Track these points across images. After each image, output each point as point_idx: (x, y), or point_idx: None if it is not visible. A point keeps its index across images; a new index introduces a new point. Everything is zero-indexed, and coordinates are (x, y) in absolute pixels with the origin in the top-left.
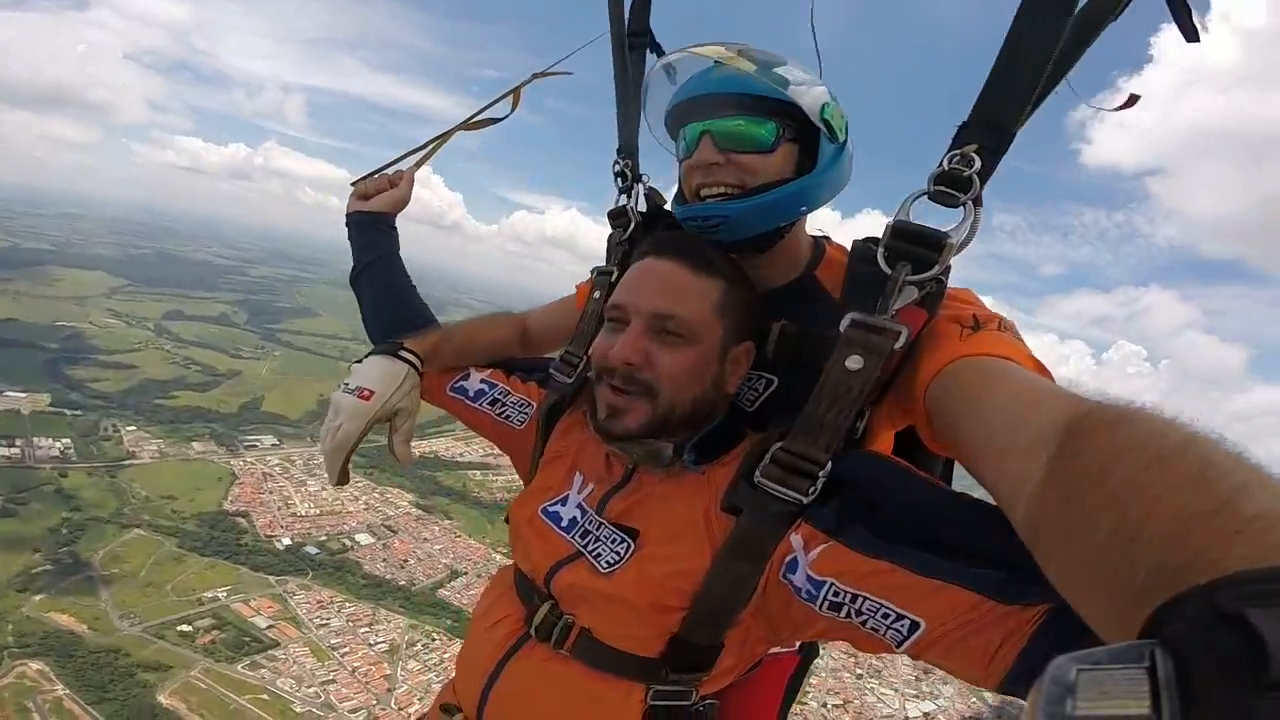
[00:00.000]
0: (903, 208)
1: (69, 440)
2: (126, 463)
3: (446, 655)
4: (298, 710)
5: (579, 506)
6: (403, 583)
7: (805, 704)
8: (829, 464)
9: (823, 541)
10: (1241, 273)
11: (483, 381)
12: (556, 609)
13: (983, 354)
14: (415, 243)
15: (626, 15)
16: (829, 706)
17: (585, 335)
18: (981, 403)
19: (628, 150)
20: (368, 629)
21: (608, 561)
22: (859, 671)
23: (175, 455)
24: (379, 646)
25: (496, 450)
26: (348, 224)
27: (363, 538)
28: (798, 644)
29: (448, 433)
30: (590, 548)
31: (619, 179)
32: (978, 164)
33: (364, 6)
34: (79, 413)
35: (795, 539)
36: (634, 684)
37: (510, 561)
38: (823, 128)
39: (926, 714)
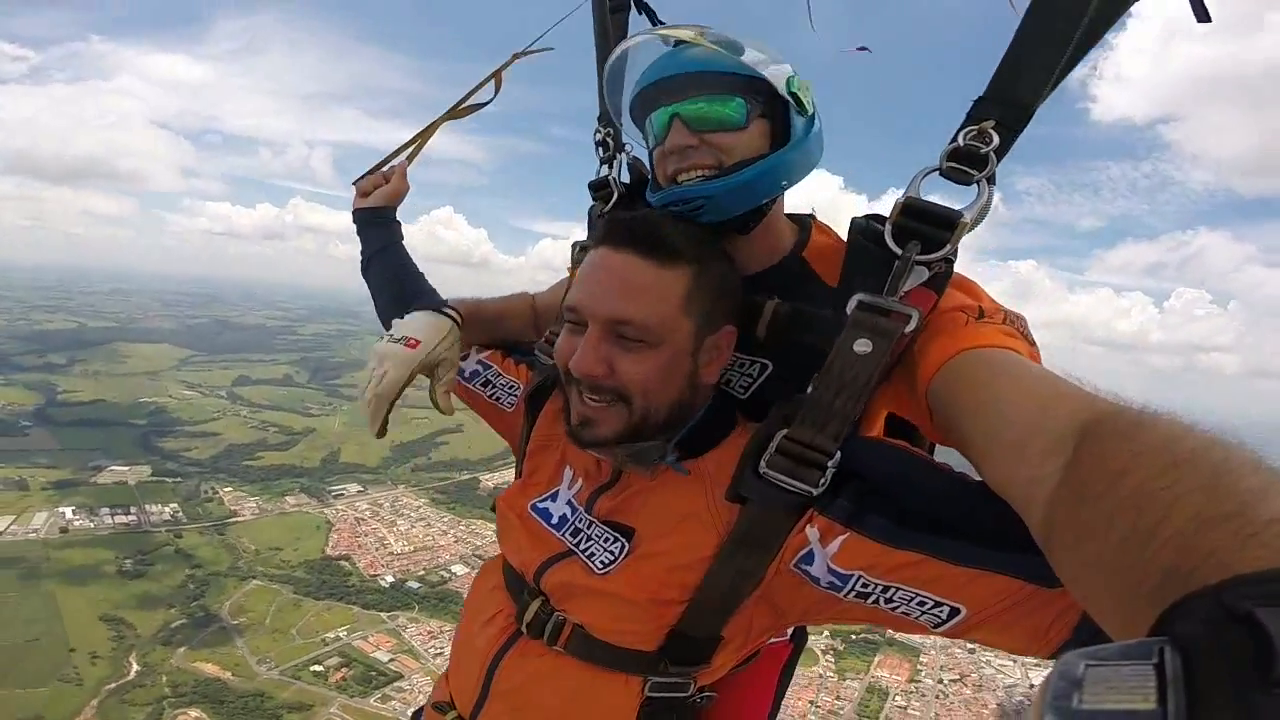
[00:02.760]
0: (913, 184)
1: (176, 505)
2: (231, 521)
3: None
4: None
5: (569, 503)
6: None
7: (920, 682)
8: (838, 454)
9: (840, 533)
10: None
11: (478, 362)
12: (547, 605)
13: (988, 345)
14: (448, 283)
15: None
16: (945, 682)
17: None
18: (990, 401)
19: (608, 118)
20: None
21: (602, 562)
22: (970, 646)
23: (273, 510)
24: None
25: None
26: (354, 221)
27: (458, 569)
28: (790, 631)
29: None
30: (582, 547)
31: (600, 148)
32: (995, 141)
33: (349, 58)
34: (179, 479)
35: (811, 532)
36: (631, 677)
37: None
38: (791, 101)
39: None
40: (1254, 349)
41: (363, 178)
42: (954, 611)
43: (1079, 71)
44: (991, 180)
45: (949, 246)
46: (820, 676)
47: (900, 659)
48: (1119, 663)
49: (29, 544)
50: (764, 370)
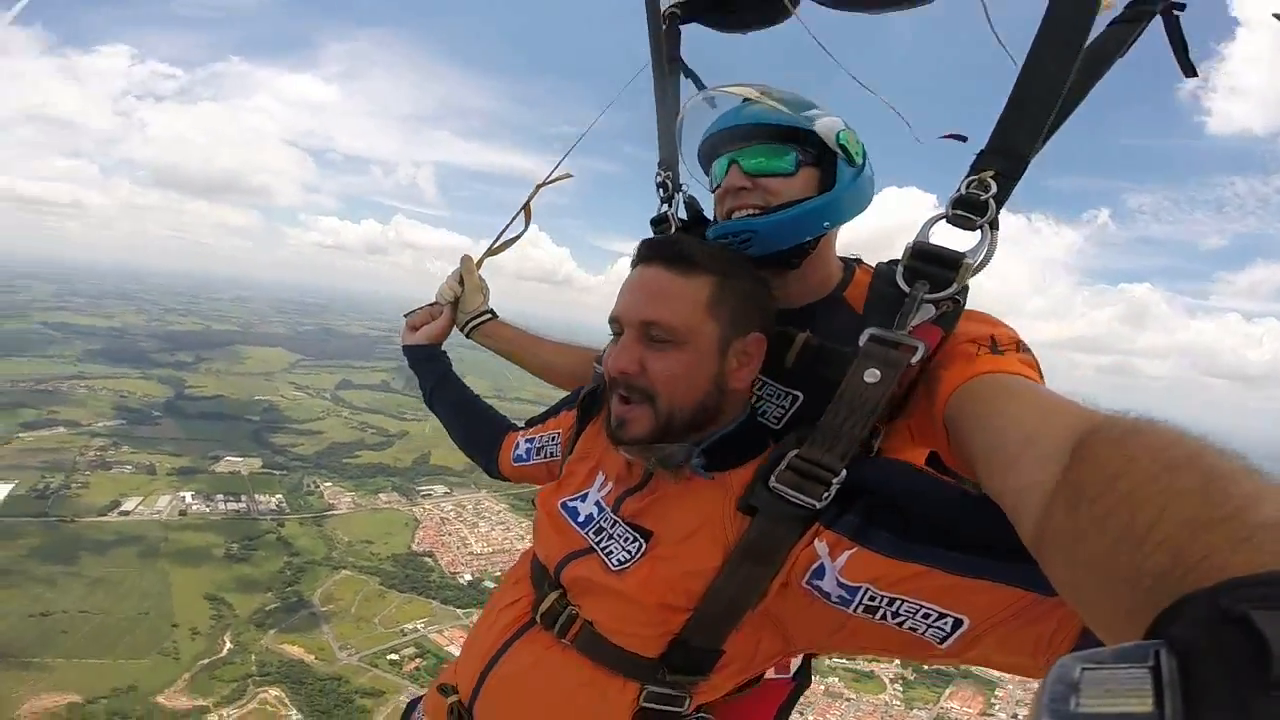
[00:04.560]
0: (923, 230)
1: (281, 496)
2: (329, 513)
3: None
4: None
5: (597, 504)
6: None
7: (994, 715)
8: (844, 472)
9: (848, 548)
10: None
11: (527, 441)
12: (563, 598)
13: (999, 371)
14: (532, 300)
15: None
16: (1019, 717)
17: None
18: (996, 416)
19: (668, 163)
20: None
21: (619, 560)
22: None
23: (366, 506)
24: None
25: None
26: (404, 354)
27: None
28: (792, 671)
29: None
30: (603, 545)
31: (660, 189)
32: (994, 189)
33: (440, 81)
34: (285, 473)
35: (820, 546)
36: (629, 682)
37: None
38: (840, 152)
39: None
40: None
41: (414, 312)
42: (957, 623)
43: (1190, 84)
44: (994, 225)
45: (955, 286)
46: (886, 705)
47: (974, 692)
48: (1115, 666)
49: (151, 524)
50: (795, 402)
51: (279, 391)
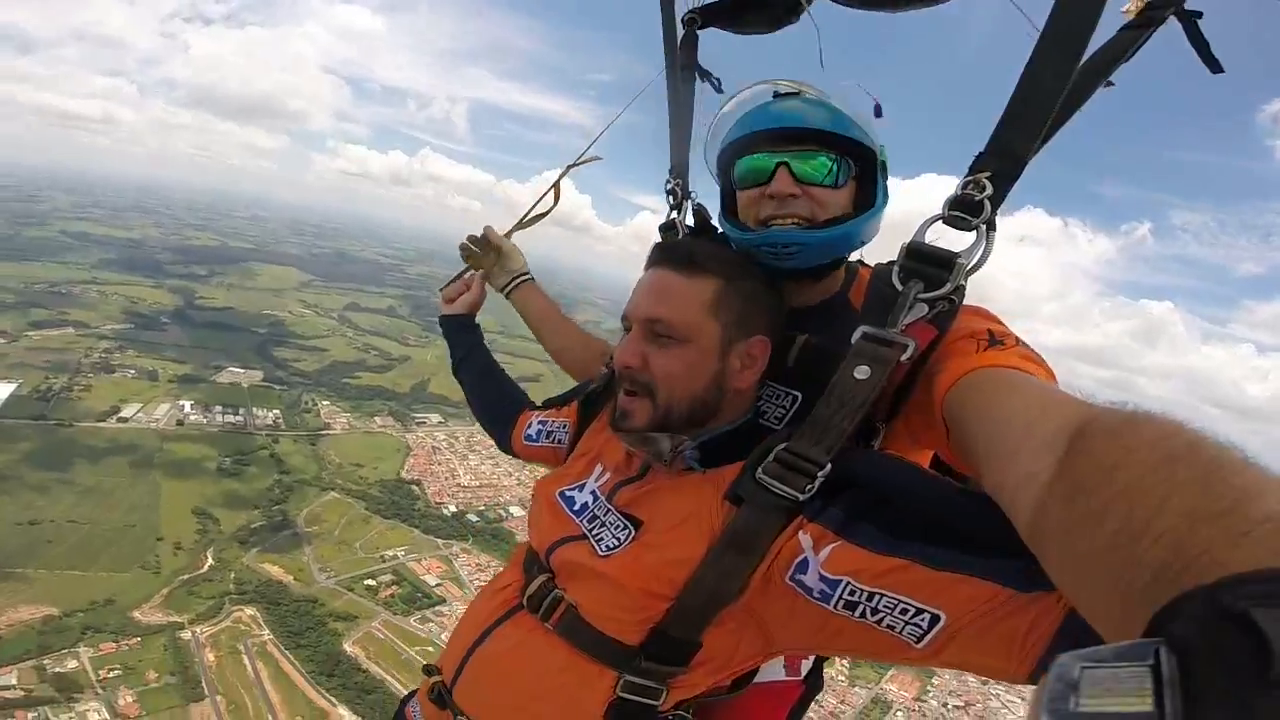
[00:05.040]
0: (920, 231)
1: (279, 411)
2: (323, 433)
3: None
4: None
5: (592, 493)
6: None
7: (925, 701)
8: (828, 465)
9: (832, 540)
10: None
11: (539, 423)
12: (551, 582)
13: (999, 365)
14: (548, 242)
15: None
16: (950, 707)
17: None
18: (995, 408)
19: (679, 170)
20: None
21: (608, 545)
22: (984, 677)
23: (361, 428)
24: None
25: None
26: (440, 326)
27: (516, 510)
28: (803, 674)
29: None
30: (594, 531)
31: (670, 196)
32: (989, 190)
33: (484, 18)
34: (285, 388)
35: (804, 539)
36: (607, 669)
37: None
38: (880, 170)
39: None
40: None
41: (449, 284)
42: (934, 619)
43: (1272, 106)
44: (991, 226)
45: (949, 285)
46: (831, 679)
47: (913, 677)
48: (1115, 665)
49: (148, 433)
50: (795, 402)
51: (287, 308)
